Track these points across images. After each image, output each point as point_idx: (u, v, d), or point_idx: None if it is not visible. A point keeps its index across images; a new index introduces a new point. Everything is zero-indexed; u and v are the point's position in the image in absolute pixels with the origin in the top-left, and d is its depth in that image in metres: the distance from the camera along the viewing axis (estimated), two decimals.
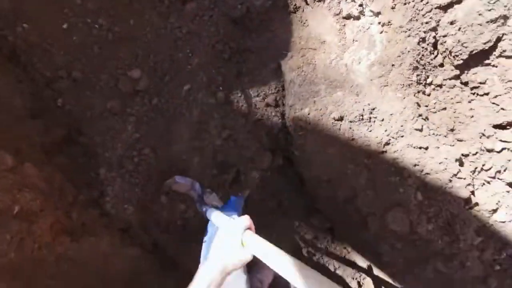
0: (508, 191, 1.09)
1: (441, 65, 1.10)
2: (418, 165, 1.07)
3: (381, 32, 1.20)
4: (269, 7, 1.64)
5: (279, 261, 0.69)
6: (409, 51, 1.08)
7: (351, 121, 1.19)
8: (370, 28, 1.25)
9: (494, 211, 1.09)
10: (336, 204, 1.41)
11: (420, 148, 1.07)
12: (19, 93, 1.35)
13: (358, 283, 1.89)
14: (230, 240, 0.77)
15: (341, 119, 1.21)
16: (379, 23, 1.20)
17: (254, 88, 1.81)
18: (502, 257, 1.09)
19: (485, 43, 0.94)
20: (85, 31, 1.51)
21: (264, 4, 1.64)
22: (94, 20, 1.51)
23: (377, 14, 1.19)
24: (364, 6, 1.23)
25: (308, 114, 1.32)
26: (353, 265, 1.89)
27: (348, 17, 1.32)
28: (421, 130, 1.06)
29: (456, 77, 1.09)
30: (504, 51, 0.93)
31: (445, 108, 1.09)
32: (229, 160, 1.78)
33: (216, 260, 0.74)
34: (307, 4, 1.44)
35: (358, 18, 1.29)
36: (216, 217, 1.10)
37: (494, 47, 0.95)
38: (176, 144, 1.70)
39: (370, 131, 1.16)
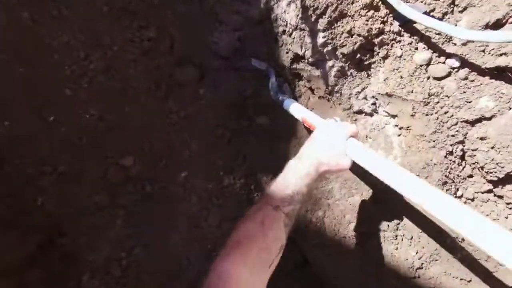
0: None
1: (470, 176, 0.99)
2: None
3: (399, 135, 1.10)
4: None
5: (392, 174, 0.64)
6: (435, 164, 0.96)
7: (372, 235, 1.04)
8: (385, 128, 1.15)
9: None
10: None
11: (461, 279, 0.91)
12: None
13: None
14: (332, 142, 0.70)
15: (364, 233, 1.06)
16: (396, 126, 1.10)
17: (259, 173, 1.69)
18: None
19: None
20: (75, 122, 1.39)
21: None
22: (85, 109, 1.40)
23: (393, 116, 1.10)
24: (377, 105, 1.14)
25: (323, 218, 1.17)
26: None
27: (359, 112, 1.23)
28: (454, 252, 0.91)
29: (489, 191, 0.97)
30: None
31: (470, 176, 0.95)
32: None
33: (311, 156, 0.66)
34: (313, 94, 1.36)
35: (371, 115, 1.21)
36: (299, 111, 1.08)
37: None
38: (171, 238, 1.52)
39: (397, 249, 1.01)
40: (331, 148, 0.69)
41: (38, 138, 1.33)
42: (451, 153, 0.95)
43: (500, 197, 0.96)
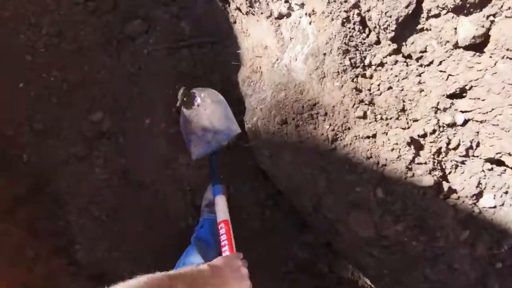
0: (490, 169, 0.90)
1: (377, 42, 0.98)
2: (371, 157, 0.93)
3: (310, 23, 1.11)
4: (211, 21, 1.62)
5: None
6: (335, 36, 0.97)
7: (296, 122, 1.08)
8: (301, 22, 1.17)
9: (478, 195, 0.90)
10: (310, 215, 1.26)
11: (368, 137, 0.92)
12: None
13: None
14: None
15: (285, 122, 1.10)
16: (306, 14, 1.11)
17: None
18: (502, 251, 0.88)
19: (407, 7, 0.82)
20: (41, 85, 1.55)
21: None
22: (48, 73, 1.56)
23: (302, 5, 1.11)
24: (290, 1, 1.16)
25: (257, 122, 1.22)
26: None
27: (280, 16, 1.25)
28: (364, 117, 0.93)
29: (396, 52, 0.96)
30: (430, 10, 0.80)
31: (390, 87, 0.95)
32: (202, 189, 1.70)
33: None
34: (242, 13, 1.40)
35: (289, 15, 1.22)
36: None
37: (419, 10, 0.83)
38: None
39: (315, 128, 1.04)
40: None
41: (12, 104, 1.50)
42: (347, 19, 0.95)
43: (409, 56, 0.95)
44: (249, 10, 1.32)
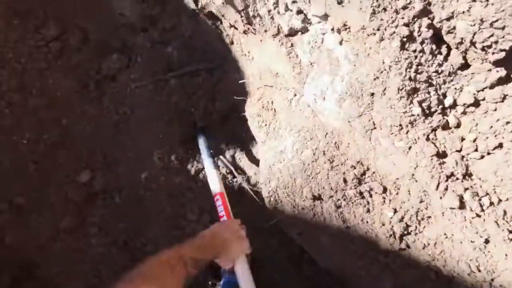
0: None
1: (464, 66, 0.58)
2: (479, 271, 0.54)
3: (341, 43, 0.72)
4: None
5: None
6: (390, 65, 0.59)
7: (336, 202, 0.71)
8: (324, 41, 0.78)
9: None
10: None
11: (472, 242, 0.54)
12: None
13: None
14: (228, 246, 0.75)
15: (318, 197, 0.74)
16: (333, 29, 0.72)
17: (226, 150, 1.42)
18: None
19: None
20: (15, 152, 1.29)
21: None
22: (19, 135, 1.29)
23: (325, 17, 0.72)
24: (305, 12, 0.77)
25: (276, 191, 0.86)
26: None
27: (292, 32, 0.87)
28: (461, 206, 0.54)
29: (506, 80, 0.56)
30: None
31: (501, 145, 0.55)
32: None
33: (209, 251, 0.70)
34: (237, 31, 1.03)
35: (305, 30, 0.84)
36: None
37: None
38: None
39: (369, 212, 0.66)
40: (226, 252, 0.75)
41: None
42: (410, 37, 0.56)
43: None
44: (248, 29, 0.95)
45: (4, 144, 1.27)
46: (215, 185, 1.10)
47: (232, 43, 1.13)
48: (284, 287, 1.39)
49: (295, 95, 0.90)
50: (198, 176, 1.41)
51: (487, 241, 0.52)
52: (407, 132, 0.59)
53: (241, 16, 0.91)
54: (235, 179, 1.39)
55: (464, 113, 0.58)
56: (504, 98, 0.55)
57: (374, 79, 0.61)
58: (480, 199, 0.53)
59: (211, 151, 1.28)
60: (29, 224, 1.30)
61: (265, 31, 0.91)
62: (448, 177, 0.55)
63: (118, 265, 1.32)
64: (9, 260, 1.26)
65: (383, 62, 0.59)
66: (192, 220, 1.38)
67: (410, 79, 0.57)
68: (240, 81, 1.12)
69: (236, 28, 1.02)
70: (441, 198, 0.54)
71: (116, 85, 1.36)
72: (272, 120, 1.01)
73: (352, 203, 0.67)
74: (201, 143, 1.29)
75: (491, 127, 0.56)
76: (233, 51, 1.16)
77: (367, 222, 0.66)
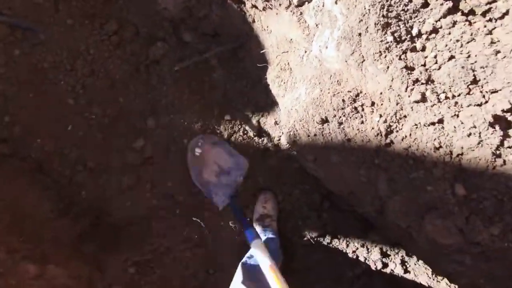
0: None
1: (425, 4, 0.79)
2: (440, 147, 0.75)
3: (336, 2, 0.96)
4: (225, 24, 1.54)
5: None
6: (369, 9, 0.82)
7: (338, 119, 0.94)
8: (325, 4, 1.02)
9: None
10: (375, 218, 1.10)
11: (433, 123, 0.75)
12: (46, 199, 1.50)
13: None
14: None
15: (325, 120, 0.97)
16: None
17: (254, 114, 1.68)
18: None
19: None
20: (86, 124, 1.64)
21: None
22: (89, 111, 1.64)
23: None
24: None
25: (294, 126, 1.11)
26: None
27: (300, 3, 1.11)
28: (423, 100, 0.75)
29: (453, 10, 0.77)
30: None
31: (452, 57, 0.76)
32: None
33: None
34: (258, 10, 1.29)
35: None
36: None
37: None
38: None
39: (363, 122, 0.89)
40: None
41: (65, 146, 1.61)
42: None
43: (470, 12, 0.75)
44: (266, 5, 1.21)
45: (79, 118, 1.62)
46: (264, 259, 1.01)
47: (253, 21, 1.40)
48: (306, 231, 1.61)
49: (305, 52, 1.14)
50: (230, 139, 1.68)
51: (441, 121, 0.73)
52: (385, 56, 0.81)
53: None
54: (261, 139, 1.64)
55: (427, 39, 0.80)
56: (454, 23, 0.76)
57: (359, 21, 0.84)
58: (438, 95, 0.74)
59: (248, 218, 1.34)
60: (99, 182, 1.63)
61: (280, 4, 1.16)
62: (414, 82, 0.76)
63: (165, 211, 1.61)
64: (86, 210, 1.59)
65: (364, 8, 0.83)
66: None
67: (383, 16, 0.79)
68: (261, 51, 1.38)
69: (256, 8, 1.28)
70: (409, 96, 0.76)
71: (161, 68, 1.67)
72: (289, 78, 1.26)
73: (350, 118, 0.89)
74: (237, 210, 1.38)
75: (446, 45, 0.77)
76: (254, 29, 1.43)
77: (362, 130, 0.88)
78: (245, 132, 1.68)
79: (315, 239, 1.61)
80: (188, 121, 1.67)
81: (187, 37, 1.67)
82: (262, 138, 1.67)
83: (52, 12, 1.55)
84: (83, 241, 1.46)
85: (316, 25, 1.09)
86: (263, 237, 1.45)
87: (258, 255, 1.02)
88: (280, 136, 1.57)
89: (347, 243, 1.59)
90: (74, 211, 1.54)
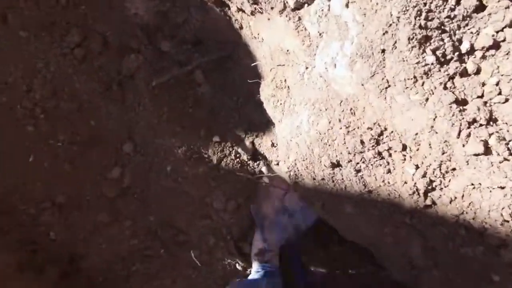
0: None
1: (479, 8, 0.55)
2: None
3: (347, 5, 0.71)
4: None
5: None
6: (398, 16, 0.57)
7: (355, 166, 0.70)
8: (331, 8, 0.77)
9: None
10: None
11: (502, 188, 0.51)
12: (5, 249, 1.27)
13: None
14: None
15: (336, 164, 0.73)
16: None
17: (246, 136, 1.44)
18: None
19: None
20: (52, 154, 1.40)
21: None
22: (54, 138, 1.40)
23: None
24: None
25: (296, 165, 0.87)
26: None
27: (298, 5, 0.87)
28: (486, 152, 0.52)
29: None
30: None
31: None
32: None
33: None
34: (246, 14, 1.04)
35: (311, 1, 0.83)
36: None
37: None
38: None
39: (390, 171, 0.65)
40: None
41: (28, 180, 1.38)
42: None
43: None
44: (255, 9, 0.96)
45: (42, 147, 1.38)
46: None
47: (241, 27, 1.15)
48: (312, 267, 1.40)
49: (306, 68, 0.90)
50: (220, 165, 1.44)
51: None
52: (423, 83, 0.57)
53: None
54: (256, 163, 1.41)
55: (483, 57, 0.56)
56: None
57: (383, 34, 0.60)
58: (507, 143, 0.51)
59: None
60: (71, 221, 1.41)
61: (272, 8, 0.92)
62: (470, 123, 0.52)
63: (153, 253, 1.39)
64: (56, 255, 1.36)
65: (391, 15, 0.58)
66: (219, 209, 1.42)
67: (420, 27, 0.55)
68: (252, 64, 1.13)
69: (243, 11, 1.03)
70: (463, 145, 0.52)
71: (137, 83, 1.43)
72: (286, 98, 1.02)
73: (372, 165, 0.66)
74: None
75: None
76: (243, 36, 1.18)
77: (388, 183, 0.64)
78: (237, 155, 1.44)
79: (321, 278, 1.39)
80: (170, 144, 1.43)
81: (165, 46, 1.42)
82: (258, 162, 1.43)
83: None
84: None
85: (320, 34, 0.84)
86: (261, 273, 1.25)
87: None
88: (278, 161, 1.33)
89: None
90: (40, 260, 1.31)
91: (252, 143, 1.43)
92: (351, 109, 0.74)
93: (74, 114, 1.41)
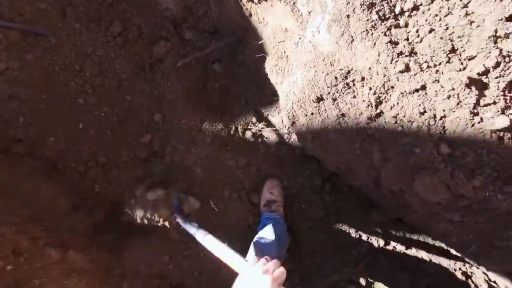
0: None
1: None
2: (425, 111, 0.83)
3: None
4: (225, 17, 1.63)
5: None
6: None
7: (332, 96, 1.02)
8: None
9: None
10: (373, 191, 1.18)
11: (417, 90, 0.82)
12: (62, 194, 1.59)
13: (464, 273, 1.49)
14: None
15: (320, 98, 1.05)
16: None
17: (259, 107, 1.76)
18: None
19: None
20: (96, 123, 1.73)
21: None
22: (99, 110, 1.73)
23: None
24: None
25: (292, 107, 1.19)
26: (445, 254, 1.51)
27: None
28: (407, 69, 0.83)
29: None
30: None
31: (432, 30, 0.84)
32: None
33: None
34: (254, 3, 1.38)
35: None
36: (216, 247, 1.00)
37: None
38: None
39: (355, 97, 0.97)
40: None
41: (77, 143, 1.70)
42: None
43: None
44: None
45: (89, 117, 1.72)
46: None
47: (250, 15, 1.48)
48: (310, 214, 1.69)
49: (300, 38, 1.23)
50: (231, 134, 1.75)
51: (423, 87, 0.80)
52: (372, 34, 0.89)
53: None
54: (265, 128, 1.72)
55: (409, 16, 0.88)
56: (433, 0, 0.84)
57: (347, 4, 0.92)
58: (420, 65, 0.82)
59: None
60: (111, 178, 1.72)
61: None
62: (399, 54, 0.84)
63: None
64: (100, 203, 1.67)
65: None
66: (231, 166, 1.72)
67: None
68: (259, 43, 1.46)
69: (253, 1, 1.37)
70: (394, 68, 0.84)
71: (165, 65, 1.77)
72: (286, 65, 1.34)
73: (343, 93, 0.97)
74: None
75: (426, 20, 0.85)
76: (252, 22, 1.52)
77: (355, 104, 0.96)
78: (247, 125, 1.76)
79: (319, 221, 1.68)
80: (192, 117, 1.75)
81: (188, 35, 1.76)
82: (268, 128, 1.74)
83: (60, 17, 1.65)
84: (99, 232, 1.55)
85: (309, 13, 1.17)
86: (271, 221, 1.52)
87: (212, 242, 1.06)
88: (282, 122, 1.65)
89: (350, 223, 1.66)
90: (89, 205, 1.63)
91: (261, 113, 1.75)
92: (330, 62, 1.06)
93: (114, 91, 1.74)
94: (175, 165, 1.76)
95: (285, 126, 1.50)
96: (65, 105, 1.68)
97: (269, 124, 1.74)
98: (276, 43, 1.42)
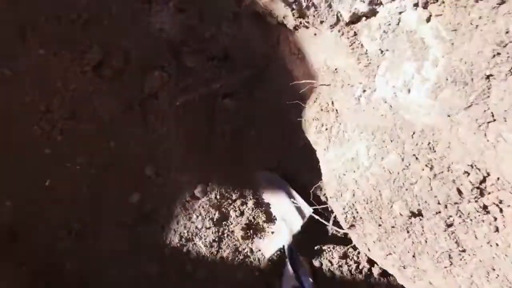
0: None
1: None
2: None
3: (428, 20, 0.59)
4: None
5: None
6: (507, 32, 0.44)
7: (447, 219, 0.56)
8: (402, 21, 0.65)
9: None
10: None
11: None
12: (19, 281, 1.18)
13: None
14: None
15: (417, 214, 0.60)
16: (415, 5, 0.59)
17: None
18: None
19: None
20: (69, 178, 1.31)
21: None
22: (72, 161, 1.31)
23: None
24: None
25: (354, 205, 0.73)
26: None
27: (354, 19, 0.74)
28: None
29: None
30: None
31: None
32: None
33: None
34: (287, 28, 0.93)
35: (372, 13, 0.71)
36: None
37: None
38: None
39: (497, 231, 0.51)
40: None
41: (43, 207, 1.29)
42: None
43: None
44: (300, 23, 0.84)
45: (59, 171, 1.29)
46: None
47: (278, 43, 1.03)
48: None
49: (364, 91, 0.77)
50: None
51: None
52: None
53: (292, 9, 0.81)
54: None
55: None
56: None
57: (493, 56, 0.47)
58: None
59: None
60: (88, 250, 1.30)
61: (321, 22, 0.80)
62: None
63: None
64: (74, 285, 1.26)
65: (507, 32, 0.45)
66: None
67: None
68: (290, 83, 1.01)
69: (284, 26, 0.92)
70: None
71: (160, 103, 1.33)
72: (334, 123, 0.89)
73: (471, 220, 0.51)
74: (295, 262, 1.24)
75: None
76: (279, 52, 1.07)
77: (496, 245, 0.50)
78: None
79: None
80: (194, 172, 1.32)
81: (190, 62, 1.32)
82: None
83: (17, 41, 1.22)
84: None
85: (381, 52, 0.71)
86: None
87: None
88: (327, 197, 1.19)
89: None
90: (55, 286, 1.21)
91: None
92: (428, 143, 0.61)
93: (93, 136, 1.32)
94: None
95: (333, 215, 1.01)
96: (25, 156, 1.26)
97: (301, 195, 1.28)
98: (316, 85, 0.97)
